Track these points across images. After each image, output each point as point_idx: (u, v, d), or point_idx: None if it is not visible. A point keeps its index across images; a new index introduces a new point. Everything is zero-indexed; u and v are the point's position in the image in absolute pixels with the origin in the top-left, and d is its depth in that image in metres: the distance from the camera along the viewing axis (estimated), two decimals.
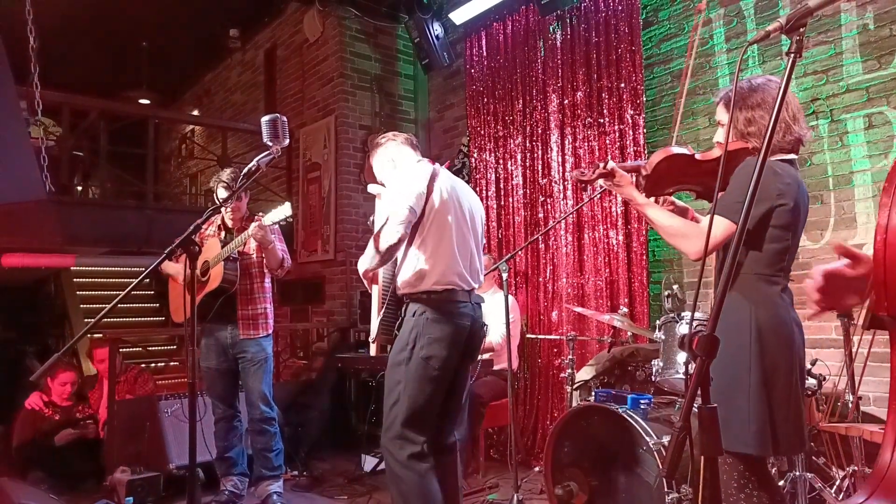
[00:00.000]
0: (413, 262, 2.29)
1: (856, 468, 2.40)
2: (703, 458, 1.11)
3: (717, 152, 1.86)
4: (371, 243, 2.27)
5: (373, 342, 2.42)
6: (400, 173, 2.42)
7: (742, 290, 1.74)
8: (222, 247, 3.19)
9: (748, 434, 1.65)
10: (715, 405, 1.08)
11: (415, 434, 2.21)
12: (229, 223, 3.33)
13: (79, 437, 3.86)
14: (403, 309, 2.35)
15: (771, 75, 1.92)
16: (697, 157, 1.87)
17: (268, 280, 3.35)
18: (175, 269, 3.39)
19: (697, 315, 2.68)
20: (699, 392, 1.07)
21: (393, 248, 2.22)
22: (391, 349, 2.33)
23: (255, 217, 3.10)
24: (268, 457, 3.30)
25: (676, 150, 1.88)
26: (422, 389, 2.22)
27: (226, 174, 3.30)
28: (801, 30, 1.11)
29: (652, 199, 1.94)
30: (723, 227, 1.67)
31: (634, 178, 1.92)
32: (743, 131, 1.79)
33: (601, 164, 1.90)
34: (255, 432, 3.31)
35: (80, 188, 8.09)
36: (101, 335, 4.54)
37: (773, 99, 1.77)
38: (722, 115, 1.86)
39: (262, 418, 3.27)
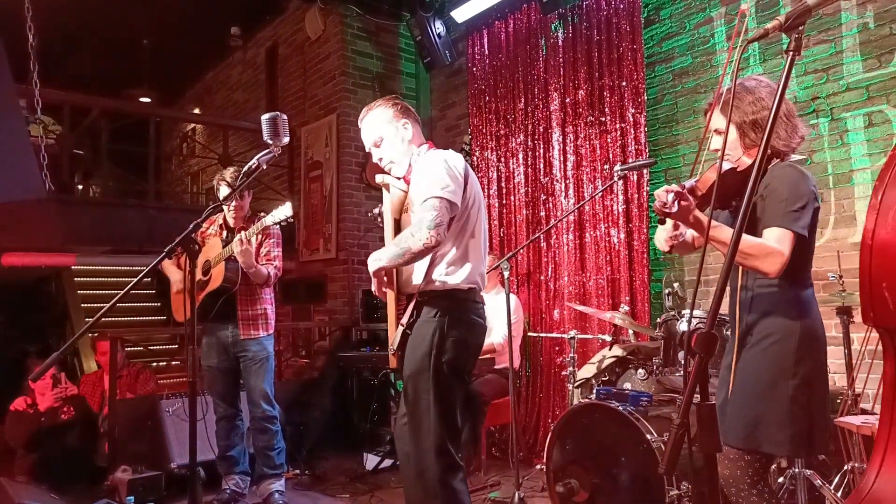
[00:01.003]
0: (444, 258, 2.06)
1: (855, 464, 2.40)
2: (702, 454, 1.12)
3: (746, 160, 1.80)
4: (402, 240, 2.00)
5: (393, 354, 2.10)
6: (431, 159, 2.13)
7: (788, 296, 1.73)
8: (223, 246, 3.19)
9: (784, 436, 1.67)
10: (713, 403, 1.09)
11: (454, 447, 2.03)
12: (231, 222, 3.33)
13: (67, 410, 3.86)
14: (415, 308, 2.09)
15: (760, 75, 1.91)
16: (738, 169, 1.82)
17: None
18: (175, 275, 3.40)
19: (698, 313, 2.69)
20: (698, 389, 1.08)
21: (428, 251, 1.99)
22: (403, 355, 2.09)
23: (257, 216, 3.09)
24: (270, 455, 3.30)
25: (726, 165, 1.79)
26: (451, 399, 2.03)
27: (229, 172, 3.30)
28: (800, 28, 1.11)
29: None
30: (790, 238, 1.64)
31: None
32: (754, 138, 1.77)
33: (677, 189, 1.65)
34: (257, 431, 3.32)
35: (80, 187, 8.10)
36: (99, 333, 4.55)
37: (768, 96, 1.76)
38: (719, 122, 1.82)
39: (264, 417, 3.28)
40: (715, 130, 1.85)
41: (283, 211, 2.85)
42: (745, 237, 1.71)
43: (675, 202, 1.61)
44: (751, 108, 1.75)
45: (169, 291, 3.56)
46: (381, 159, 2.23)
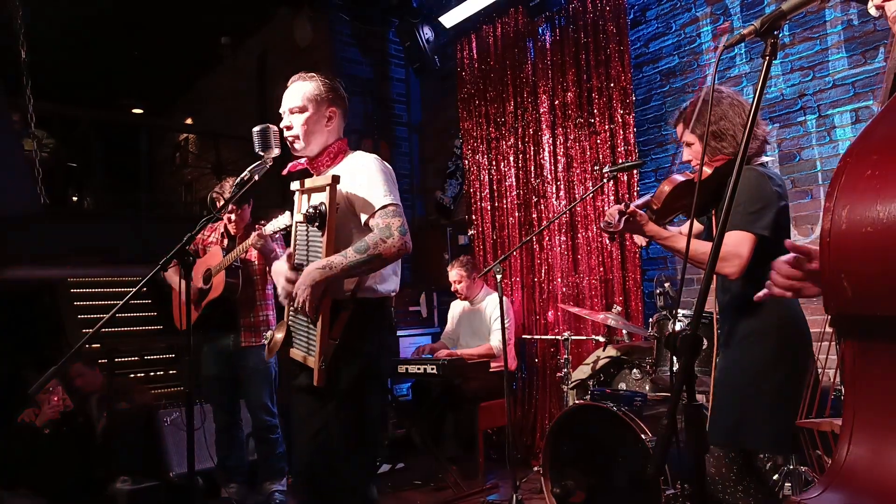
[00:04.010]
0: None
1: None
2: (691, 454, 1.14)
3: (707, 171, 1.88)
4: (368, 246, 1.83)
5: (323, 368, 1.84)
6: (371, 161, 2.00)
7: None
8: (224, 255, 3.20)
9: (767, 433, 1.72)
10: (700, 402, 1.11)
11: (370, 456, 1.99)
12: (232, 231, 3.34)
13: (65, 423, 3.85)
14: (348, 319, 1.92)
15: (722, 85, 2.00)
16: (695, 179, 1.89)
17: (269, 287, 3.35)
18: (175, 281, 3.40)
19: (688, 313, 2.71)
20: (684, 389, 1.10)
21: (399, 258, 1.88)
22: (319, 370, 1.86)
23: (256, 226, 3.10)
24: (270, 461, 3.36)
25: (680, 177, 1.91)
26: (377, 414, 1.98)
27: (228, 185, 3.25)
28: (776, 33, 1.13)
29: (669, 230, 1.93)
30: (748, 240, 1.70)
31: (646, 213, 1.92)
32: (716, 146, 1.85)
33: (622, 207, 1.83)
34: (258, 440, 3.37)
35: (74, 199, 8.09)
36: (98, 345, 4.55)
37: (729, 106, 1.85)
38: (687, 136, 1.91)
39: (264, 427, 3.31)
40: (685, 143, 1.94)
41: (283, 220, 2.85)
42: (702, 244, 1.83)
43: (621, 220, 1.75)
44: (712, 119, 1.83)
45: (166, 300, 3.57)
46: (289, 127, 2.05)
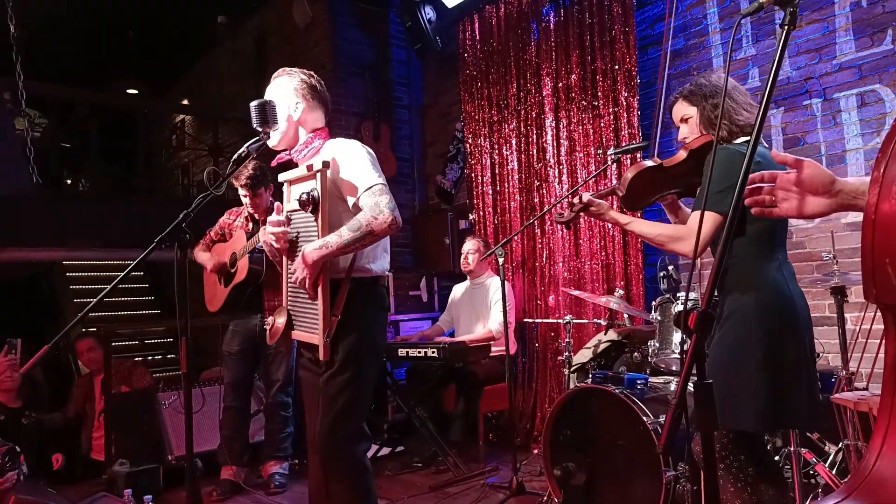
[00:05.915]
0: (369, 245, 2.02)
1: (849, 442, 2.42)
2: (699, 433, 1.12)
3: (682, 155, 1.95)
4: (360, 224, 1.90)
5: (328, 342, 1.94)
6: (354, 146, 2.06)
7: (742, 274, 1.78)
8: (248, 239, 3.21)
9: (749, 413, 1.70)
10: (710, 381, 1.09)
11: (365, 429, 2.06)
12: (256, 215, 3.34)
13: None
14: (346, 296, 2.00)
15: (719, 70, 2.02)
16: (665, 165, 1.97)
17: None
18: (203, 258, 3.41)
19: (693, 295, 2.70)
20: (695, 368, 1.07)
21: (390, 233, 1.95)
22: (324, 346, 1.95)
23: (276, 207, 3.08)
24: (277, 439, 3.41)
25: (647, 163, 1.98)
26: (371, 384, 2.07)
27: (248, 170, 3.19)
28: (795, 1, 1.09)
29: (630, 215, 2.06)
30: (710, 220, 1.71)
31: (612, 201, 2.01)
32: (710, 117, 1.87)
33: (577, 201, 1.97)
34: (269, 416, 3.43)
35: (69, 181, 8.02)
36: (94, 329, 4.52)
37: (730, 86, 1.86)
38: (686, 109, 1.94)
39: (278, 402, 3.39)
40: (681, 119, 1.97)
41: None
42: (657, 225, 1.91)
43: (572, 210, 1.89)
44: (707, 92, 1.89)
45: (163, 284, 3.58)
46: None
